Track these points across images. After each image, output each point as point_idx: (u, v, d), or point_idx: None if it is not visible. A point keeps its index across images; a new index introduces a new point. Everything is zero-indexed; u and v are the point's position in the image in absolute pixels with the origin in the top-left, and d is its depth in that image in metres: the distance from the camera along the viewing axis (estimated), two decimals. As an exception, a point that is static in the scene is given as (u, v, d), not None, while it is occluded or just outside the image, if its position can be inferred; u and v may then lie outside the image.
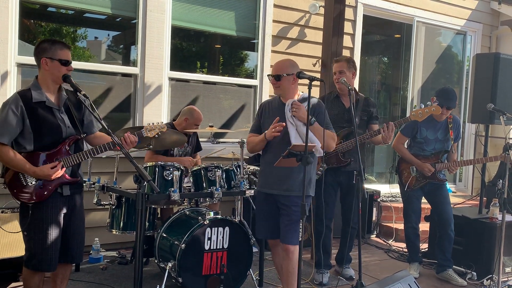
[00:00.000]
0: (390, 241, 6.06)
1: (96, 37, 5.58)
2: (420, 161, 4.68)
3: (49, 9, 5.10)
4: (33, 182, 3.00)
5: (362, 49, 6.88)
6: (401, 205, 6.46)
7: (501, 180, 4.60)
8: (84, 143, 3.30)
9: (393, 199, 6.74)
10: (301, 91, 3.67)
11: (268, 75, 3.69)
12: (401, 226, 6.22)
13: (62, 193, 3.09)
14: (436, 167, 4.64)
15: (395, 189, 7.48)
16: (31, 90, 3.02)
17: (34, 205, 3.01)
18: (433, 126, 4.68)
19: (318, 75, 5.43)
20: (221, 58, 6.32)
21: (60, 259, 3.15)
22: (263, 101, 4.31)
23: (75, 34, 5.37)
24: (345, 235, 4.60)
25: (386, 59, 8.71)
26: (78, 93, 3.03)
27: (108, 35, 5.64)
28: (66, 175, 3.09)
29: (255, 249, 4.26)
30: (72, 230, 3.20)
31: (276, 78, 3.51)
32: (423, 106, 4.17)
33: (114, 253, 4.93)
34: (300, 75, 3.26)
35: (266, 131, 3.51)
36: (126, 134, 3.20)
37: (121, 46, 5.74)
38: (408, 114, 7.48)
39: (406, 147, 4.86)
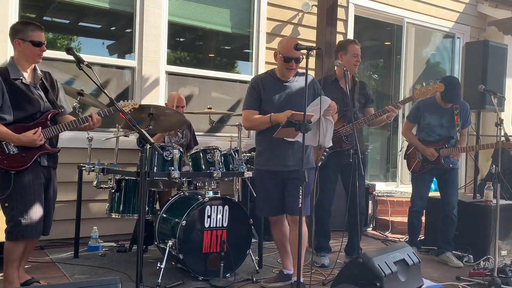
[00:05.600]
0: (386, 233, 6.09)
1: (94, 30, 5.69)
2: (425, 146, 4.75)
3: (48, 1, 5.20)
4: (15, 151, 3.13)
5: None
6: (396, 199, 6.57)
7: (494, 166, 4.68)
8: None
9: (389, 194, 6.79)
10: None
11: (285, 57, 3.51)
12: (397, 219, 6.29)
13: (40, 162, 3.25)
14: (440, 153, 4.69)
15: (390, 187, 7.60)
16: (7, 68, 3.23)
17: (16, 173, 3.13)
18: (437, 112, 4.73)
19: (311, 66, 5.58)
20: (217, 54, 6.43)
21: None
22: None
23: (75, 26, 5.45)
24: (352, 221, 4.48)
25: (377, 60, 8.86)
26: (81, 64, 3.10)
27: (107, 27, 5.74)
28: (47, 145, 3.26)
29: (253, 240, 4.28)
30: (48, 201, 3.35)
31: (296, 60, 3.56)
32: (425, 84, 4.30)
33: (112, 244, 4.92)
34: (297, 46, 3.35)
35: (273, 114, 3.48)
36: (92, 113, 3.39)
37: (119, 39, 5.81)
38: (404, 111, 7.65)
39: (414, 133, 4.94)
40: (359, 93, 4.56)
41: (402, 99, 7.61)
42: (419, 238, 5.21)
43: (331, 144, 3.61)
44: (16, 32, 3.26)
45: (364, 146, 4.71)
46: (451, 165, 4.76)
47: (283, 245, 3.89)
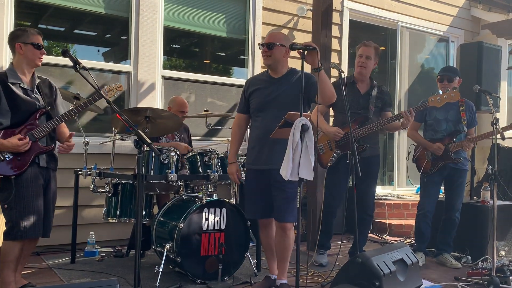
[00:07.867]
0: (384, 236, 6.08)
1: (89, 37, 5.69)
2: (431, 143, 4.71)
3: (45, 5, 5.18)
4: (10, 156, 3.17)
5: (349, 53, 7.04)
6: (394, 202, 6.57)
7: (490, 166, 4.70)
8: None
9: (386, 197, 6.78)
10: (292, 66, 3.77)
11: (259, 44, 3.67)
12: (394, 221, 6.28)
13: (39, 163, 3.29)
14: (449, 148, 4.62)
15: (386, 190, 7.60)
16: (6, 73, 3.29)
17: (16, 177, 3.17)
18: (443, 107, 4.64)
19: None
20: (212, 58, 6.44)
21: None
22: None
23: (70, 33, 5.45)
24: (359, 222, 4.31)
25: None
26: (77, 66, 3.12)
27: (102, 34, 5.75)
28: (40, 144, 3.30)
29: (251, 244, 4.26)
30: (46, 202, 3.37)
31: (268, 46, 3.54)
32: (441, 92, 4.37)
33: (109, 249, 4.89)
34: (293, 46, 3.35)
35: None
36: (65, 143, 3.52)
37: (114, 46, 5.82)
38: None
39: (421, 134, 4.89)
40: (376, 97, 4.48)
41: (398, 103, 7.65)
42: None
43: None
44: (17, 37, 3.33)
45: (378, 149, 4.67)
46: (461, 159, 4.69)
47: (271, 249, 3.82)
